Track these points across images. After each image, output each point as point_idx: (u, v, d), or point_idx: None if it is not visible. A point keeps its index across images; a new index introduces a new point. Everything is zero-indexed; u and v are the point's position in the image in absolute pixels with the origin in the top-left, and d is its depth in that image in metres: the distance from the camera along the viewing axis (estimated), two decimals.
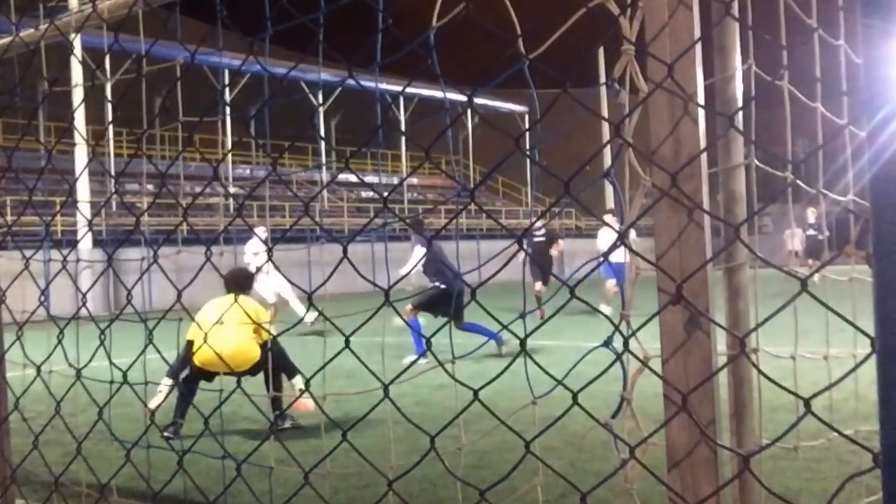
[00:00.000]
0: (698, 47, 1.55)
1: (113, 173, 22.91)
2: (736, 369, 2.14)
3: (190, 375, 6.00)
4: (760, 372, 1.61)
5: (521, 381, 2.02)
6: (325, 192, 33.53)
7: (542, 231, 16.13)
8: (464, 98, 1.83)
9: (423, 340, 10.28)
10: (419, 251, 10.60)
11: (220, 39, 2.23)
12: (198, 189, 27.86)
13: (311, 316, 11.42)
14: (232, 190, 28.23)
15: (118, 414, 2.80)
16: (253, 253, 14.68)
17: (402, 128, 35.12)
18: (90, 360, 2.65)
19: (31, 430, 2.99)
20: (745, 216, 2.16)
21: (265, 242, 15.11)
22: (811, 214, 20.85)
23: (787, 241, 25.94)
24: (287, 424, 6.35)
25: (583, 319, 12.89)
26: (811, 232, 21.79)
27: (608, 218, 14.94)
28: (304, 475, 2.08)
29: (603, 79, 30.29)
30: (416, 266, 9.91)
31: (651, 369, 1.62)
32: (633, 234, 11.01)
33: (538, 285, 15.48)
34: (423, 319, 10.25)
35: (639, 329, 1.59)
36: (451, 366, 2.26)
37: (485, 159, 38.02)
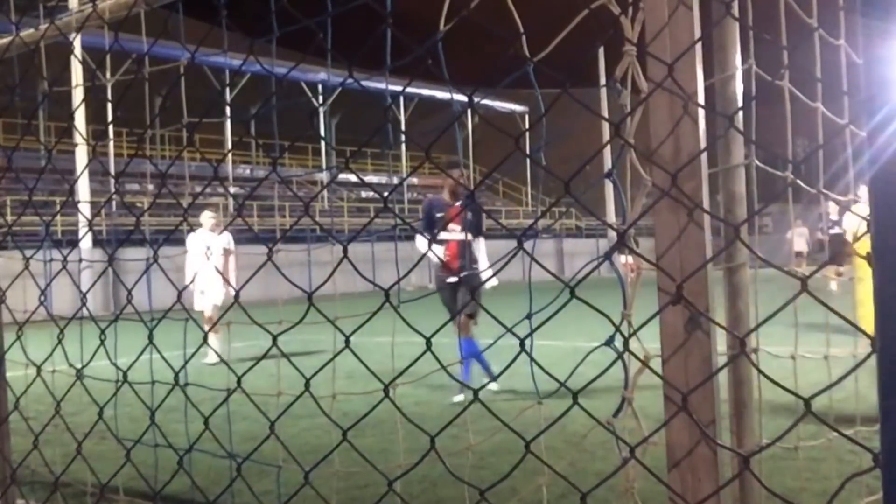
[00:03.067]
0: (698, 47, 1.55)
1: (113, 173, 22.92)
2: (736, 369, 2.14)
3: None
4: (760, 372, 1.61)
5: (521, 382, 2.02)
6: (325, 192, 33.54)
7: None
8: (464, 98, 1.83)
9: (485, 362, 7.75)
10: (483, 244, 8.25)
11: (224, 41, 2.23)
12: (198, 189, 27.88)
13: (213, 357, 10.32)
14: (232, 190, 28.23)
15: (118, 414, 2.80)
16: (198, 252, 10.98)
17: (402, 128, 35.12)
18: (90, 360, 2.65)
19: (32, 430, 3.00)
20: (745, 216, 2.16)
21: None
22: (833, 208, 16.60)
23: (793, 240, 24.66)
24: None
25: (583, 320, 12.86)
26: (835, 230, 17.40)
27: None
28: (304, 475, 2.08)
29: (604, 79, 30.27)
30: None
31: (651, 369, 1.62)
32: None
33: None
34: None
35: (639, 329, 1.59)
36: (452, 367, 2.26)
37: (485, 159, 38.04)
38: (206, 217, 11.78)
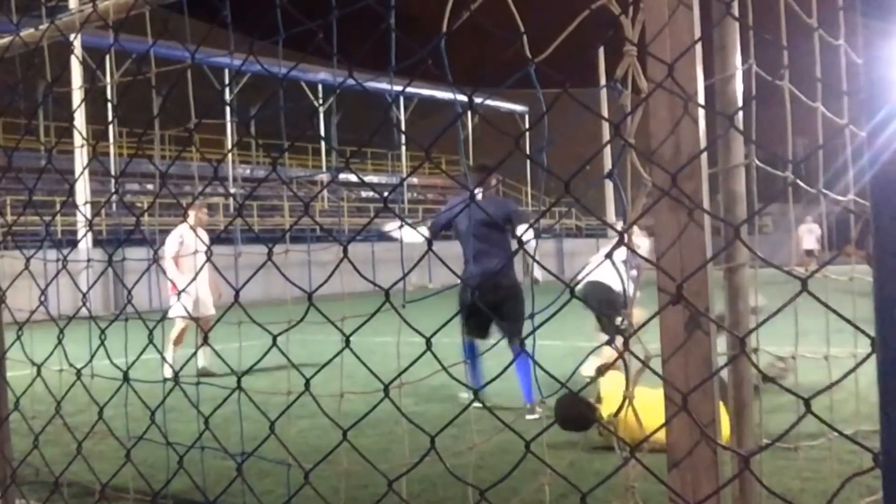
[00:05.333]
0: (698, 47, 1.55)
1: (113, 173, 22.92)
2: (736, 369, 2.14)
3: None
4: (760, 372, 1.61)
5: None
6: (324, 192, 33.54)
7: None
8: (464, 98, 1.83)
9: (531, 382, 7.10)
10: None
11: (230, 42, 2.24)
12: (198, 188, 27.88)
13: (203, 361, 9.76)
14: (232, 190, 28.24)
15: (119, 413, 2.80)
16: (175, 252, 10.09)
17: (403, 128, 35.13)
18: (90, 360, 2.65)
19: (32, 430, 3.00)
20: (745, 216, 2.16)
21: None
22: None
23: (802, 237, 23.34)
24: None
25: (583, 320, 12.85)
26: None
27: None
28: (304, 475, 2.08)
29: (604, 79, 30.27)
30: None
31: (651, 369, 1.62)
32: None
33: None
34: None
35: (639, 328, 1.59)
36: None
37: (485, 159, 37.98)
38: (201, 210, 10.97)
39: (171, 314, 9.41)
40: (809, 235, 23.29)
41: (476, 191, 7.39)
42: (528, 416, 6.82)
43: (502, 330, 6.90)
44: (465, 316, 6.86)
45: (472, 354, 7.13)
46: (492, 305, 6.84)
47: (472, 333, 7.23)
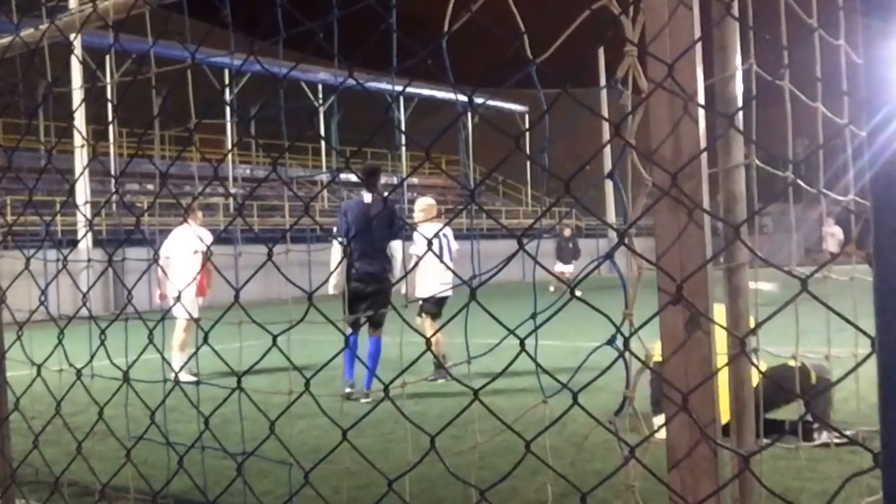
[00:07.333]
0: (698, 47, 1.55)
1: (113, 173, 22.94)
2: (736, 369, 2.14)
3: None
4: (761, 372, 1.61)
5: (521, 382, 2.01)
6: (324, 192, 33.53)
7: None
8: (464, 98, 1.84)
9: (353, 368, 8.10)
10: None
11: (231, 42, 2.24)
12: (198, 188, 27.87)
13: (186, 376, 9.73)
14: (233, 190, 28.25)
15: (118, 413, 2.80)
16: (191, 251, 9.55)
17: (403, 128, 35.12)
18: (91, 360, 2.65)
19: (32, 430, 3.00)
20: (745, 216, 2.16)
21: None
22: None
23: (825, 239, 23.36)
24: None
25: (583, 320, 12.84)
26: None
27: None
28: (304, 475, 2.08)
29: (604, 79, 30.28)
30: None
31: (651, 369, 1.62)
32: None
33: None
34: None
35: (640, 328, 1.59)
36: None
37: (485, 159, 38.00)
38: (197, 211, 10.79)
39: (180, 314, 9.05)
40: (831, 239, 22.95)
41: (368, 195, 8.54)
42: (363, 401, 7.73)
43: (373, 317, 8.00)
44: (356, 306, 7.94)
45: (354, 346, 8.07)
46: (373, 294, 8.00)
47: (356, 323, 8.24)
